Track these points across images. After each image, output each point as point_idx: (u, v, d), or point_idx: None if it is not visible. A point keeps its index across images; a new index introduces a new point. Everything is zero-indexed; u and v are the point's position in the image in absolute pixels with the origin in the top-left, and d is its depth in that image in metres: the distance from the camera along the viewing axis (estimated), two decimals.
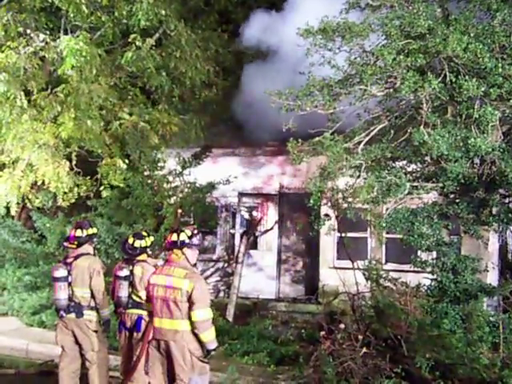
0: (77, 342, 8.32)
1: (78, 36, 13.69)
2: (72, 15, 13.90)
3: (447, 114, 10.10)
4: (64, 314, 8.24)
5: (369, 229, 15.13)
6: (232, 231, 17.42)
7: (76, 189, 15.38)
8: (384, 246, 15.37)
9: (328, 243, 15.72)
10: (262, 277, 16.77)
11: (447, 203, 10.45)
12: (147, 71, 14.96)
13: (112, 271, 9.10)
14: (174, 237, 7.05)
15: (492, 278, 11.25)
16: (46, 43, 14.15)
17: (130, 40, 14.67)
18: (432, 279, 10.34)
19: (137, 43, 14.56)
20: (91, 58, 13.62)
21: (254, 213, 17.35)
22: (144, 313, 8.51)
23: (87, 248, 8.51)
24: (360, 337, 9.23)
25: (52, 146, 14.73)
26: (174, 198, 14.92)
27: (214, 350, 6.98)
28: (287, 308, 15.65)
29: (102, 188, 15.42)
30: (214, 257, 17.30)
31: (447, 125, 9.71)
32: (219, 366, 9.66)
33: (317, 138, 10.35)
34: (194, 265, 7.29)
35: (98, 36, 14.82)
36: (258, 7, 17.00)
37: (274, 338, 11.96)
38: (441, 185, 10.20)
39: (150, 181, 14.96)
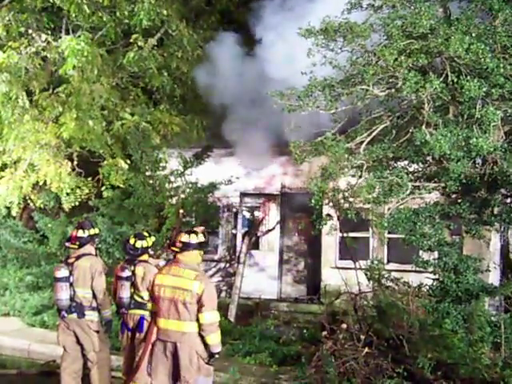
0: (78, 342, 8.33)
1: (79, 36, 13.73)
2: (73, 15, 13.93)
3: (449, 114, 10.08)
4: (66, 315, 8.25)
5: (371, 229, 15.14)
6: (234, 231, 17.43)
7: (78, 190, 15.41)
8: (386, 246, 15.38)
9: (330, 243, 15.73)
10: (263, 277, 16.77)
11: (449, 203, 10.44)
12: (149, 71, 15.00)
13: (113, 271, 9.11)
14: (186, 238, 7.01)
15: (494, 278, 11.22)
16: (48, 43, 14.19)
17: (131, 40, 14.71)
18: (434, 279, 10.33)
19: (138, 43, 14.60)
20: (93, 58, 13.65)
21: (256, 213, 17.36)
22: (146, 313, 8.53)
23: (89, 248, 8.51)
24: (362, 337, 9.23)
25: (54, 147, 14.78)
26: (176, 198, 14.92)
27: (218, 353, 6.94)
28: (289, 308, 15.65)
29: (103, 188, 15.44)
30: (216, 257, 17.30)
31: (449, 125, 9.69)
32: (221, 366, 9.64)
33: (318, 138, 10.33)
34: (197, 265, 7.30)
35: (99, 36, 14.83)
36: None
37: (275, 338, 11.96)
38: (443, 185, 10.19)
39: (151, 181, 14.96)
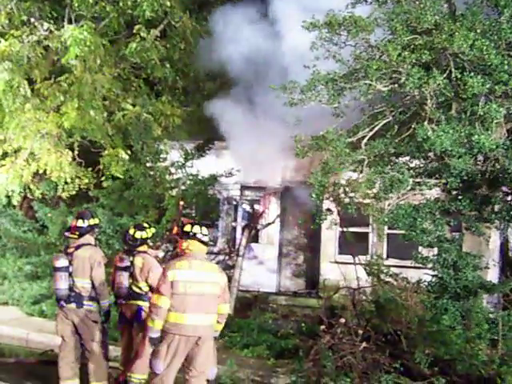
0: (77, 332, 8.33)
1: (82, 26, 13.69)
2: (76, 4, 13.92)
3: (451, 110, 10.05)
4: (64, 304, 8.25)
5: (370, 224, 15.14)
6: (233, 224, 17.44)
7: (77, 180, 15.40)
8: (385, 242, 15.38)
9: (329, 237, 15.74)
10: (262, 270, 16.78)
11: (450, 199, 10.43)
12: (151, 62, 14.97)
13: (113, 262, 9.11)
14: (197, 229, 7.03)
15: (493, 275, 11.25)
16: (50, 32, 14.16)
17: (134, 31, 14.69)
18: (433, 275, 10.33)
19: (141, 34, 14.57)
20: (95, 48, 13.63)
21: (256, 206, 17.36)
22: (144, 304, 8.52)
23: (88, 238, 8.50)
24: (360, 331, 9.24)
25: (55, 136, 14.75)
26: (176, 189, 14.90)
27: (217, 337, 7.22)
28: (287, 302, 15.67)
29: (103, 179, 15.42)
30: (215, 249, 17.28)
31: (451, 121, 9.67)
32: (219, 358, 9.59)
33: (320, 133, 10.31)
34: None
35: (102, 26, 14.80)
36: None
37: (273, 332, 11.97)
38: (444, 181, 10.18)
39: (152, 172, 14.94)
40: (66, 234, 8.76)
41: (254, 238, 16.60)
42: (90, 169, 15.84)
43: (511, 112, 9.65)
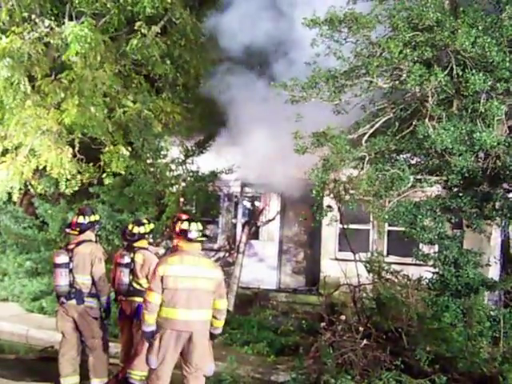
0: (77, 328, 8.33)
1: (82, 22, 13.68)
2: (77, 1, 13.91)
3: (453, 107, 10.04)
4: (65, 301, 8.25)
5: (371, 221, 15.13)
6: (234, 221, 17.43)
7: (79, 176, 15.38)
8: (386, 239, 15.37)
9: (330, 234, 15.73)
10: (263, 267, 16.78)
11: (450, 197, 10.41)
12: (152, 59, 14.94)
13: (113, 258, 9.10)
14: (200, 226, 7.03)
15: (494, 272, 11.21)
16: (51, 29, 14.12)
17: (135, 27, 14.64)
18: (434, 272, 10.32)
19: (142, 31, 14.53)
20: (96, 45, 13.61)
21: (257, 203, 17.35)
22: None
23: (89, 235, 8.50)
24: (361, 329, 9.25)
25: (55, 133, 14.72)
26: (177, 186, 14.90)
27: (219, 334, 7.24)
28: (288, 299, 15.67)
29: (104, 175, 15.41)
30: (216, 246, 17.30)
31: (452, 118, 9.66)
32: (219, 355, 9.64)
33: (321, 129, 10.30)
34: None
35: (102, 23, 14.77)
36: None
37: (274, 329, 11.99)
38: (444, 178, 10.16)
39: (152, 169, 14.94)
40: (67, 230, 8.76)
41: (255, 235, 16.62)
42: (90, 165, 15.82)
43: None
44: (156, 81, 16.21)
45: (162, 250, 8.95)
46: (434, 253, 10.77)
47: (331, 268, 14.91)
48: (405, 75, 9.56)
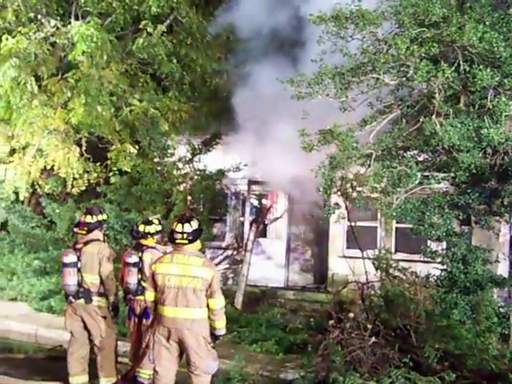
0: (85, 327, 8.33)
1: (88, 22, 13.69)
2: (83, 1, 13.95)
3: (460, 103, 10.01)
4: (73, 300, 8.25)
5: (379, 218, 15.11)
6: (241, 219, 17.42)
7: (86, 175, 15.42)
8: (394, 236, 15.35)
9: (338, 232, 15.71)
10: (270, 265, 16.77)
11: (458, 193, 10.38)
12: (158, 58, 14.93)
13: (121, 258, 9.11)
14: (187, 228, 7.01)
15: (503, 268, 11.20)
16: (57, 29, 14.15)
17: (141, 26, 14.65)
18: (442, 269, 10.30)
19: (148, 30, 14.53)
20: (102, 44, 13.62)
21: (264, 201, 17.34)
22: None
23: (97, 234, 8.50)
24: (369, 326, 9.20)
25: (62, 132, 14.78)
26: (184, 185, 14.91)
27: (222, 336, 7.12)
28: (296, 296, 15.65)
29: (111, 174, 15.44)
30: (223, 244, 17.32)
31: (460, 115, 9.63)
32: (227, 353, 9.67)
33: (327, 127, 10.28)
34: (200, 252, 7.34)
35: (108, 22, 14.78)
36: None
37: (282, 327, 11.97)
38: (452, 175, 10.13)
39: (159, 168, 14.96)
40: (75, 229, 8.76)
41: (262, 233, 16.62)
42: (97, 164, 15.86)
43: None
44: (162, 79, 16.22)
45: (169, 249, 8.89)
46: (442, 250, 10.75)
47: (339, 265, 14.89)
48: (412, 71, 9.52)
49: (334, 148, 10.19)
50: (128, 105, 15.22)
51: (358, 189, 10.40)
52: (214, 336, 7.00)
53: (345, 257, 14.64)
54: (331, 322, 9.55)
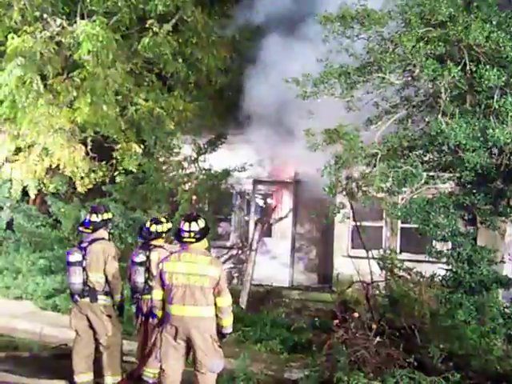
0: (91, 326, 8.34)
1: (94, 21, 13.70)
2: (88, 0, 13.89)
3: (466, 103, 9.99)
4: (78, 299, 8.25)
5: (384, 218, 15.09)
6: (246, 218, 17.42)
7: (92, 174, 15.44)
8: (399, 236, 15.33)
9: (343, 232, 15.71)
10: (275, 264, 16.78)
11: (464, 193, 10.36)
12: (163, 57, 14.95)
13: (127, 256, 9.12)
14: (194, 227, 7.02)
15: (508, 269, 11.16)
16: (63, 28, 14.17)
17: (146, 25, 14.66)
18: (447, 270, 10.27)
19: (153, 29, 14.56)
20: (108, 43, 13.63)
21: (269, 200, 17.34)
22: None
23: (102, 233, 8.50)
24: (373, 326, 9.20)
25: (68, 131, 14.79)
26: (189, 184, 14.92)
27: (229, 334, 7.16)
28: (300, 296, 15.64)
29: (116, 173, 15.46)
30: (228, 244, 17.33)
31: (466, 114, 9.61)
32: (232, 352, 9.65)
33: (333, 126, 10.27)
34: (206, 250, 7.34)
35: (114, 21, 14.78)
36: None
37: (287, 326, 11.94)
38: (458, 175, 10.11)
39: (164, 167, 14.97)
40: (80, 228, 8.76)
41: (267, 233, 16.60)
42: (103, 163, 15.88)
43: None
44: (168, 79, 16.23)
45: (176, 248, 8.89)
46: (448, 250, 10.71)
47: (344, 265, 14.88)
48: (418, 71, 9.52)
49: (340, 147, 10.19)
50: (133, 104, 15.24)
51: (363, 188, 10.39)
52: (221, 334, 7.03)
53: (350, 256, 14.64)
54: (336, 321, 9.54)
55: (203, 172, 15.10)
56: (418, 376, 8.22)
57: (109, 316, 8.33)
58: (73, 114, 14.46)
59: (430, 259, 10.68)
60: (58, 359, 9.89)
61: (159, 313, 7.11)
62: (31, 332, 11.88)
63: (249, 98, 14.48)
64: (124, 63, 14.87)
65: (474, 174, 9.76)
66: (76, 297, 8.26)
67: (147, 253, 8.72)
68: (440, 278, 10.23)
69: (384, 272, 10.76)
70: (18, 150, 15.19)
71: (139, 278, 8.64)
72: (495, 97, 9.26)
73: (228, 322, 7.01)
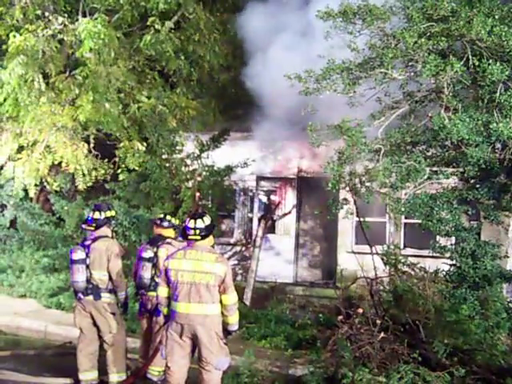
0: (95, 324, 8.35)
1: (96, 19, 13.71)
2: None
3: (469, 98, 9.96)
4: (82, 297, 8.27)
5: (387, 214, 15.06)
6: (250, 215, 17.41)
7: (94, 172, 15.45)
8: (403, 231, 15.31)
9: (346, 228, 15.69)
10: (279, 261, 16.76)
11: (467, 188, 10.34)
12: (165, 54, 14.96)
13: (132, 253, 9.12)
14: (199, 224, 7.02)
15: None
16: (65, 26, 14.18)
17: (148, 23, 14.69)
18: (451, 265, 10.26)
19: (155, 26, 14.57)
20: (109, 41, 13.65)
21: (272, 196, 17.33)
22: None
23: (105, 230, 8.51)
24: (378, 321, 9.19)
25: (70, 129, 14.82)
26: (192, 181, 14.91)
27: (235, 331, 7.16)
28: (305, 292, 15.63)
29: (119, 171, 15.46)
30: (232, 240, 17.32)
31: (468, 109, 9.58)
32: (236, 349, 9.64)
33: (336, 122, 10.26)
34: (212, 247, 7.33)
35: (116, 19, 14.82)
36: None
37: (291, 322, 11.95)
38: (461, 170, 10.10)
39: (167, 164, 14.96)
40: (83, 226, 8.77)
41: (271, 229, 16.60)
42: (106, 161, 15.89)
43: None
44: (170, 76, 16.25)
45: (184, 245, 8.87)
46: (451, 245, 10.71)
47: (348, 261, 14.87)
48: (420, 66, 9.49)
49: (343, 143, 10.17)
50: (136, 102, 15.25)
51: (366, 184, 10.37)
52: (226, 331, 7.03)
53: (353, 252, 14.59)
54: (340, 317, 9.53)
55: (206, 169, 15.08)
56: (423, 371, 8.21)
57: (113, 314, 8.34)
58: (75, 111, 14.48)
59: (434, 254, 10.66)
60: (63, 357, 9.92)
61: (165, 310, 7.11)
62: (35, 330, 11.91)
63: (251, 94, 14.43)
64: (126, 61, 14.89)
65: (477, 168, 9.74)
66: (79, 295, 8.27)
67: (155, 249, 8.74)
68: (444, 273, 10.22)
69: (388, 267, 10.74)
70: (21, 149, 15.21)
71: (146, 273, 8.64)
72: (498, 91, 9.23)
73: (234, 320, 7.02)
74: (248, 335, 11.32)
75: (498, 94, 9.18)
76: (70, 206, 15.67)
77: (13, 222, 16.86)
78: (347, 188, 10.64)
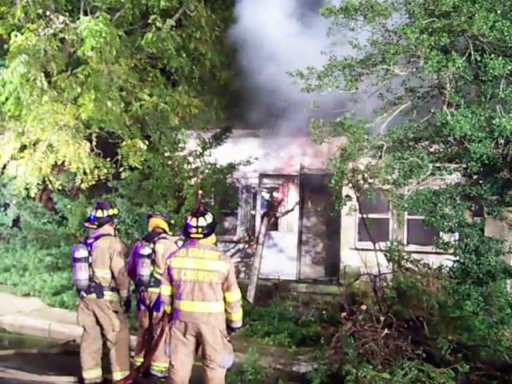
0: (98, 322, 8.37)
1: (97, 17, 13.71)
2: None
3: (471, 93, 9.94)
4: (85, 295, 8.28)
5: (390, 210, 15.06)
6: (253, 212, 17.42)
7: (96, 170, 15.45)
8: (406, 228, 15.29)
9: (349, 224, 15.68)
10: (282, 258, 16.76)
11: (470, 184, 10.30)
12: (167, 52, 14.96)
13: (131, 250, 9.12)
14: (202, 222, 7.01)
15: None
16: (66, 25, 14.17)
17: (149, 21, 14.68)
18: (454, 261, 10.23)
19: (157, 24, 14.56)
20: (111, 39, 13.64)
21: (275, 194, 17.33)
22: None
23: (108, 229, 8.52)
24: (381, 318, 9.18)
25: (72, 127, 14.81)
26: (195, 179, 14.91)
27: (239, 328, 7.21)
28: (308, 289, 15.62)
29: (121, 169, 15.47)
30: (235, 238, 17.33)
31: (471, 105, 9.56)
32: (240, 346, 9.66)
33: (338, 119, 10.25)
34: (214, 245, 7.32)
35: (117, 17, 14.81)
36: None
37: (294, 319, 11.96)
38: (464, 165, 10.06)
39: (170, 162, 14.95)
40: (86, 224, 8.79)
41: (274, 226, 16.60)
42: (108, 159, 15.89)
43: None
44: (172, 74, 16.24)
45: (180, 242, 8.88)
46: (455, 241, 10.67)
47: (351, 258, 14.88)
48: (422, 62, 9.47)
49: (345, 140, 10.16)
50: (138, 100, 15.24)
51: (369, 180, 10.36)
52: (230, 329, 7.05)
53: (357, 249, 14.61)
54: (343, 314, 9.54)
55: (209, 166, 15.07)
56: (427, 368, 8.20)
57: (115, 312, 8.36)
58: (77, 110, 14.48)
59: (438, 250, 10.64)
60: (67, 355, 9.94)
61: (168, 308, 7.10)
62: (39, 329, 11.93)
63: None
64: (128, 59, 14.88)
65: (480, 164, 9.70)
66: (82, 293, 8.29)
67: (152, 245, 8.74)
68: (447, 269, 10.19)
69: (391, 264, 10.74)
70: (23, 148, 15.21)
71: (145, 270, 8.66)
72: (501, 86, 9.19)
73: (237, 317, 7.04)
74: (252, 332, 11.33)
75: (500, 89, 9.15)
76: (72, 205, 15.68)
77: (16, 221, 16.88)
78: (350, 185, 10.62)
